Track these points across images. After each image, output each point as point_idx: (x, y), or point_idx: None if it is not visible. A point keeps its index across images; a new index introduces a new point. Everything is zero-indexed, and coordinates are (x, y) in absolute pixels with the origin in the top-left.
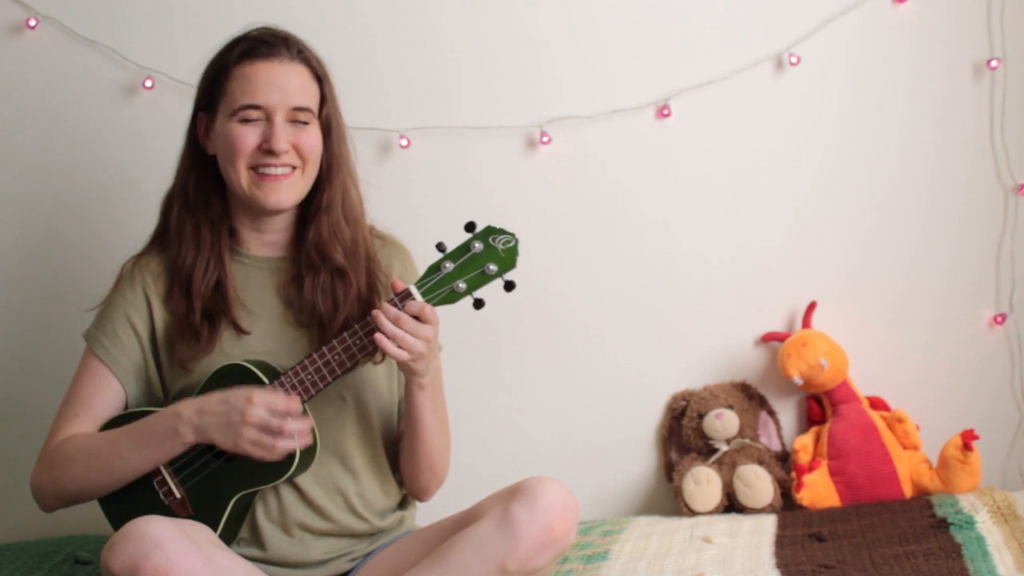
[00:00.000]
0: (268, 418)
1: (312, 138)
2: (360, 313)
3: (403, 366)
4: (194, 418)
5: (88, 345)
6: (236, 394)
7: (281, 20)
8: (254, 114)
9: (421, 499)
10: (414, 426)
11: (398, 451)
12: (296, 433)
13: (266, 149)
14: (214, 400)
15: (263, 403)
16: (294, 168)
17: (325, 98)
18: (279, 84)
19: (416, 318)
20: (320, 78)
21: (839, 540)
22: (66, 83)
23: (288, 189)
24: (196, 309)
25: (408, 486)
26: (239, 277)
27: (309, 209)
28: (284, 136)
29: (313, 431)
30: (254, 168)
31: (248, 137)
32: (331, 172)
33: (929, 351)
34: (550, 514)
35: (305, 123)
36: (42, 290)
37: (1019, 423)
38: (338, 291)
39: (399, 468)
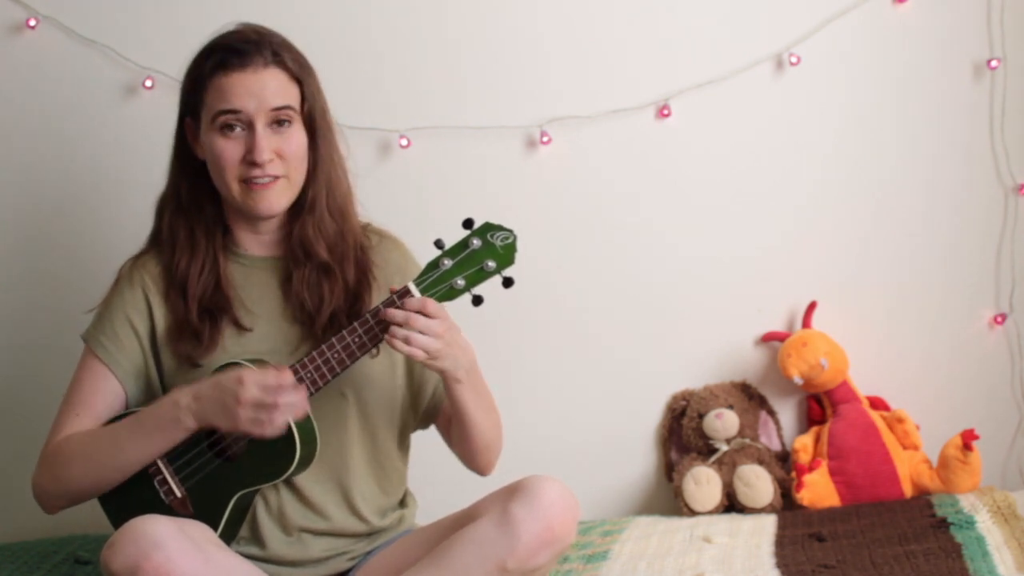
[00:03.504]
0: (261, 396)
1: (295, 142)
2: (348, 306)
3: (429, 366)
4: (192, 405)
5: (87, 345)
6: (227, 377)
7: (281, 20)
8: (233, 119)
9: (483, 474)
10: (460, 416)
11: (448, 436)
12: (291, 406)
13: (249, 160)
14: (207, 385)
15: (254, 382)
16: (277, 177)
17: (306, 96)
18: (255, 91)
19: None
20: (299, 78)
21: (839, 540)
22: (66, 83)
23: (277, 196)
24: (193, 310)
25: (468, 465)
26: (238, 277)
27: (296, 206)
28: (266, 145)
29: (311, 421)
30: (242, 180)
31: (232, 150)
32: (316, 170)
33: (929, 351)
34: (550, 513)
35: (287, 122)
36: (41, 291)
37: (1019, 423)
38: (323, 286)
39: (455, 451)
